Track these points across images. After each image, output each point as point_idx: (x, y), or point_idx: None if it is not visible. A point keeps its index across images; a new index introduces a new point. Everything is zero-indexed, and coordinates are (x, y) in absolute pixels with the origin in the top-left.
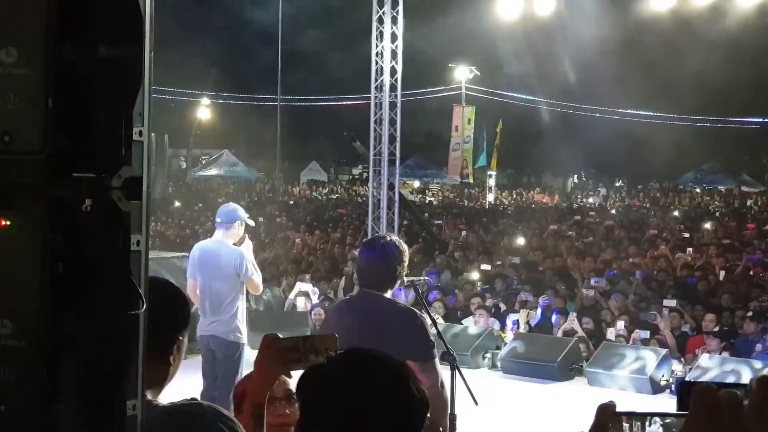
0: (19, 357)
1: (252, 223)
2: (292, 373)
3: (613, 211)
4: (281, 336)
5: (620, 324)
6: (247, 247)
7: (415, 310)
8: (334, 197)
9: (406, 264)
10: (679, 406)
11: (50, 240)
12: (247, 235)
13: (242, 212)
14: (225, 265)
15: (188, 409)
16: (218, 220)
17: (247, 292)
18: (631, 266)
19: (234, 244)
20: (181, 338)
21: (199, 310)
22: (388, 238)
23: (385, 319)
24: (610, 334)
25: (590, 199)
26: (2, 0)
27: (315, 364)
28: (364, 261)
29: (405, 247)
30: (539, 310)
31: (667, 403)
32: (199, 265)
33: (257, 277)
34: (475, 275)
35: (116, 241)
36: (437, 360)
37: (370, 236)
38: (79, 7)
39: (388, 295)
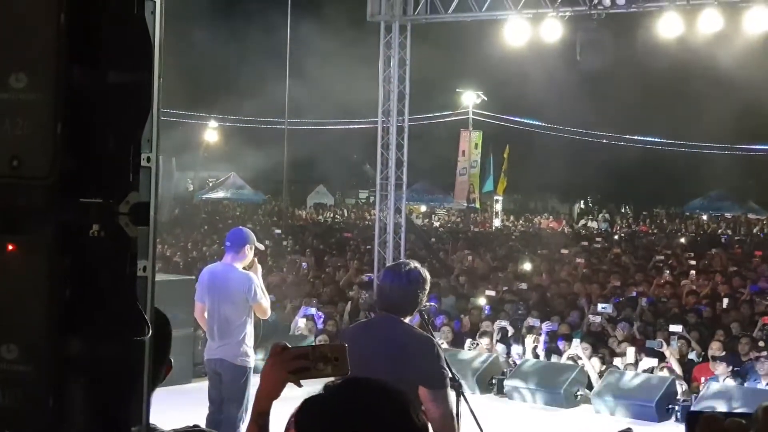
0: (25, 381)
1: (261, 247)
2: (302, 381)
3: (616, 237)
4: (289, 345)
5: (630, 352)
6: (257, 271)
7: (432, 337)
8: (341, 221)
9: (427, 291)
10: None
11: (57, 265)
12: (256, 260)
13: (252, 236)
14: (234, 288)
15: None
16: (227, 243)
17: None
18: (638, 293)
19: (244, 268)
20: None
21: (206, 333)
22: (412, 265)
23: (402, 344)
24: (617, 362)
25: (595, 224)
26: (12, 26)
27: (313, 395)
28: (388, 286)
29: (428, 274)
30: (543, 336)
31: (673, 431)
32: (207, 288)
33: (265, 302)
34: (481, 300)
35: (123, 266)
36: (449, 390)
37: (376, 261)
38: (89, 33)
39: (407, 320)
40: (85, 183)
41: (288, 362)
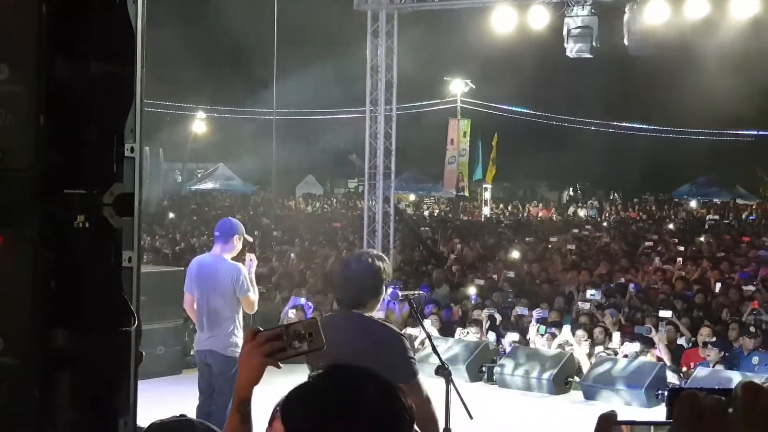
0: (12, 374)
1: (250, 239)
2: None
3: (605, 224)
4: (262, 329)
5: (616, 337)
6: (251, 262)
7: (395, 328)
8: (329, 211)
9: (383, 280)
10: (669, 415)
11: (42, 256)
12: (253, 254)
13: (241, 227)
14: (223, 279)
15: (178, 425)
16: (216, 234)
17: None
18: (626, 279)
19: (233, 258)
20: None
21: (196, 324)
22: (363, 256)
23: (367, 342)
24: (605, 346)
25: (584, 212)
26: None
27: (298, 385)
28: (336, 279)
29: (381, 264)
30: (533, 323)
31: (663, 416)
32: (196, 279)
33: (253, 295)
34: (472, 290)
35: (108, 257)
36: (420, 377)
37: (366, 249)
38: (71, 24)
39: (371, 313)
40: (69, 174)
41: (263, 346)
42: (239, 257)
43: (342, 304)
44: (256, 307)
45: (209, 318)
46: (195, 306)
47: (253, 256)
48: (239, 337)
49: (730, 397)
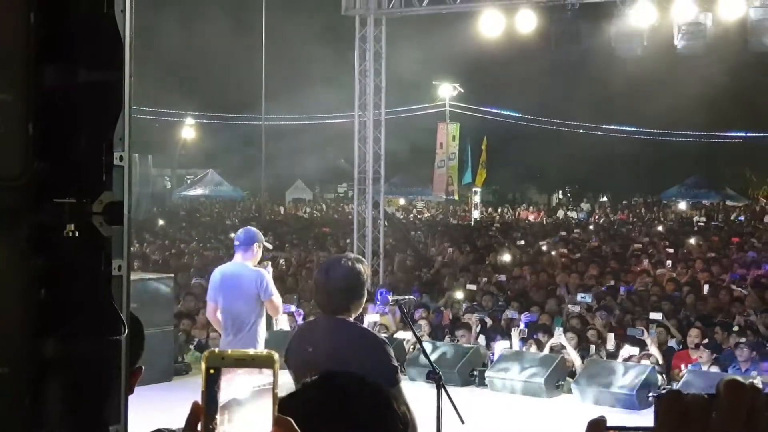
0: (1, 383)
1: (270, 246)
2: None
3: (591, 227)
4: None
5: (610, 339)
6: (268, 269)
7: (378, 335)
8: (319, 215)
9: (363, 284)
10: (656, 418)
11: (32, 266)
12: (269, 262)
13: (260, 235)
14: (247, 286)
15: None
16: (237, 243)
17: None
18: (617, 281)
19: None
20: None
21: (222, 330)
22: (342, 260)
23: (349, 348)
24: (598, 349)
25: (574, 214)
26: None
27: (291, 392)
28: (315, 284)
29: (361, 266)
30: (522, 327)
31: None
32: (220, 287)
33: (277, 299)
34: (460, 293)
35: (98, 266)
36: (401, 384)
37: (344, 253)
38: (59, 32)
39: (352, 318)
40: (57, 183)
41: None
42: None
43: (326, 310)
44: (281, 310)
45: (234, 323)
46: (218, 313)
47: (269, 263)
48: (261, 344)
49: (713, 397)
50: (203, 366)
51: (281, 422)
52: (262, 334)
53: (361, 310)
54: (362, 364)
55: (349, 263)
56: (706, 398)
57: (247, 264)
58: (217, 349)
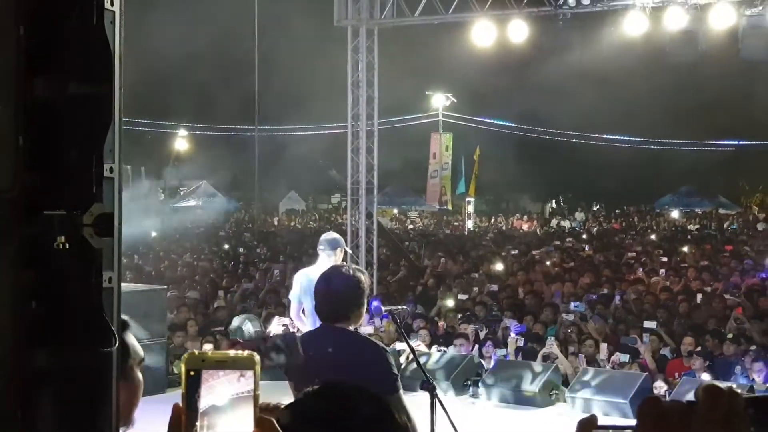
0: None
1: (349, 251)
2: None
3: (585, 236)
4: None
5: (603, 348)
6: None
7: (379, 342)
8: (313, 226)
9: (363, 293)
10: None
11: (22, 278)
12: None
13: (342, 240)
14: None
15: None
16: (321, 247)
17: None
18: (611, 290)
19: None
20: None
21: (305, 330)
22: (344, 269)
23: (350, 356)
24: (591, 359)
25: (567, 223)
26: None
27: (290, 403)
28: (316, 293)
29: (362, 276)
30: (513, 335)
31: None
32: (307, 289)
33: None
34: (450, 302)
35: (88, 278)
36: (402, 392)
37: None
38: (49, 44)
39: (352, 327)
40: (48, 195)
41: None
42: None
43: (327, 319)
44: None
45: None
46: (302, 314)
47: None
48: None
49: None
50: (182, 368)
51: (263, 422)
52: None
53: (361, 320)
54: (363, 372)
55: (350, 272)
56: (685, 404)
57: None
58: (197, 351)
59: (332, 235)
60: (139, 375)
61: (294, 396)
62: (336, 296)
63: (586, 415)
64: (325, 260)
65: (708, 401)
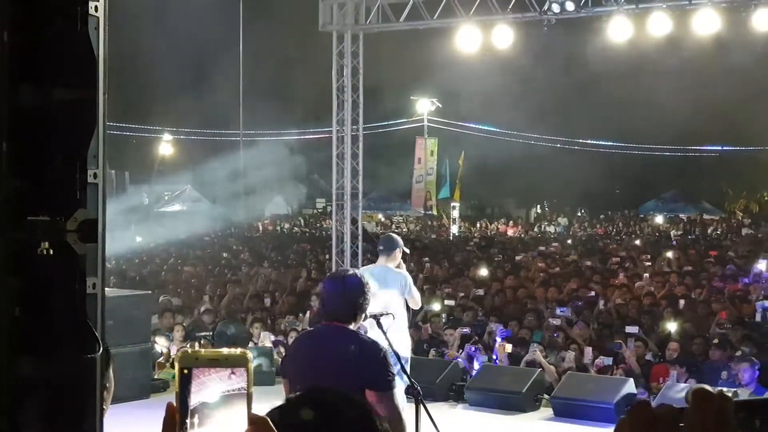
0: None
1: (407, 250)
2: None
3: (570, 241)
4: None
5: (587, 353)
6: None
7: (378, 342)
8: (297, 231)
9: (368, 297)
10: None
11: (6, 283)
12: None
13: (401, 241)
14: (392, 285)
15: None
16: (380, 248)
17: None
18: (595, 295)
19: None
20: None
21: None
22: (351, 272)
23: (348, 350)
24: (575, 361)
25: (552, 228)
26: None
27: (274, 407)
28: (328, 294)
29: (367, 280)
30: (500, 340)
31: None
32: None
33: (417, 294)
34: (437, 306)
35: (72, 284)
36: (396, 392)
37: (334, 270)
38: (34, 51)
39: (353, 327)
40: (32, 201)
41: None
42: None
43: (336, 319)
44: (420, 303)
45: None
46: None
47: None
48: (406, 329)
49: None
50: (177, 366)
51: (256, 420)
52: (404, 324)
53: (361, 319)
54: (361, 369)
55: (360, 275)
56: (675, 408)
57: (390, 266)
58: (190, 349)
59: (391, 236)
60: (110, 374)
61: (286, 395)
62: (349, 297)
63: (576, 427)
64: (384, 260)
65: (698, 405)
